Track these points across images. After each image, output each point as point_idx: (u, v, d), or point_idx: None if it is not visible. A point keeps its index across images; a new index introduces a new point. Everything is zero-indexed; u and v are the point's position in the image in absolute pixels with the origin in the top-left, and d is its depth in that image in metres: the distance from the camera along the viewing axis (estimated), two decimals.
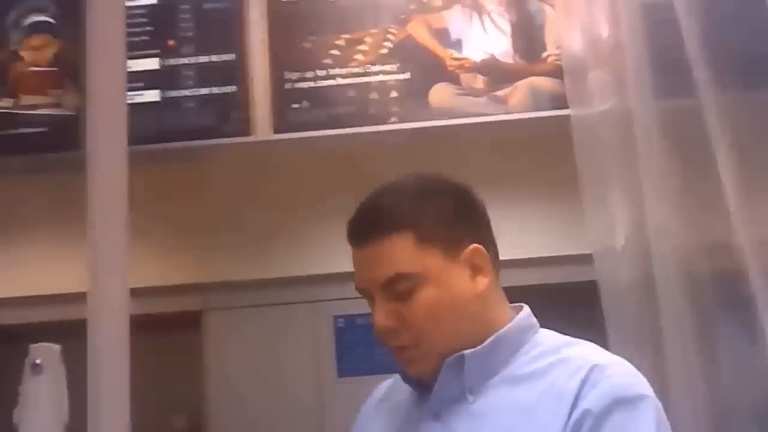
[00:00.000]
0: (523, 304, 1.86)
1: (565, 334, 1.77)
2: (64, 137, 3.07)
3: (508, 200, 4.51)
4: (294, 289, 4.51)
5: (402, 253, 1.67)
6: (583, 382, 1.55)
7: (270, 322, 4.55)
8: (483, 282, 1.72)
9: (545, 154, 3.70)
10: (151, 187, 4.50)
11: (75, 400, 2.09)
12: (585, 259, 2.57)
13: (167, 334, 4.81)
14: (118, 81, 1.40)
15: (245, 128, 3.14)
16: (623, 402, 1.52)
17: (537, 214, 4.51)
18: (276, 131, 3.14)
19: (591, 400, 1.52)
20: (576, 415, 1.50)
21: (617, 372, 1.60)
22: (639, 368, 1.64)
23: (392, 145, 3.51)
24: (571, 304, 4.26)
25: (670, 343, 1.89)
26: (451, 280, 1.68)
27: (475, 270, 1.72)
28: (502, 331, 1.71)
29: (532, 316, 1.81)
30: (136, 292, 4.52)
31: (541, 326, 1.82)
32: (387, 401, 1.93)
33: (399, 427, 1.79)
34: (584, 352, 1.68)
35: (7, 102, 3.15)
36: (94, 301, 1.30)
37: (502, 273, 4.48)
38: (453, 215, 1.74)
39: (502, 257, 4.09)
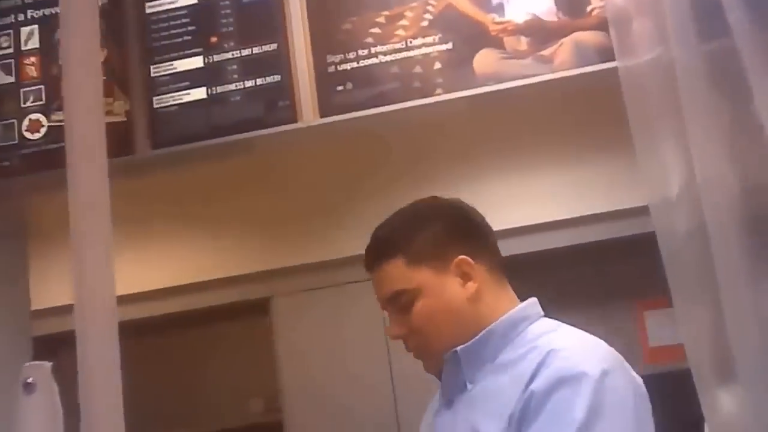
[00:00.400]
0: (533, 298, 2.10)
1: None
2: (116, 143, 3.13)
3: (559, 159, 4.50)
4: (358, 267, 4.54)
5: (396, 274, 1.98)
6: (539, 366, 1.76)
7: (337, 302, 4.62)
8: (473, 287, 1.96)
9: (595, 111, 3.67)
10: (205, 183, 4.61)
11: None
12: (643, 211, 2.54)
13: (240, 321, 4.93)
14: (94, 90, 1.40)
15: (292, 115, 3.16)
16: (566, 380, 1.71)
17: (590, 170, 4.51)
18: (322, 115, 3.15)
19: (538, 382, 1.73)
20: (526, 395, 1.73)
21: (567, 354, 1.77)
22: (700, 320, 1.64)
23: (442, 117, 3.51)
24: (633, 257, 4.24)
25: (725, 292, 1.87)
26: (444, 290, 1.95)
27: (464, 277, 1.97)
28: (491, 326, 1.94)
29: (531, 307, 2.03)
30: (203, 286, 4.69)
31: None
32: (435, 398, 2.17)
33: (433, 417, 2.09)
34: (553, 338, 1.87)
35: (60, 115, 3.23)
36: (81, 313, 1.31)
37: (557, 234, 4.49)
38: (440, 235, 2.02)
39: (554, 217, 4.06)
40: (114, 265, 1.33)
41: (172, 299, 4.70)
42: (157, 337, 5.05)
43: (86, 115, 1.35)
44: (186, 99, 3.26)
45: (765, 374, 1.84)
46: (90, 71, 1.38)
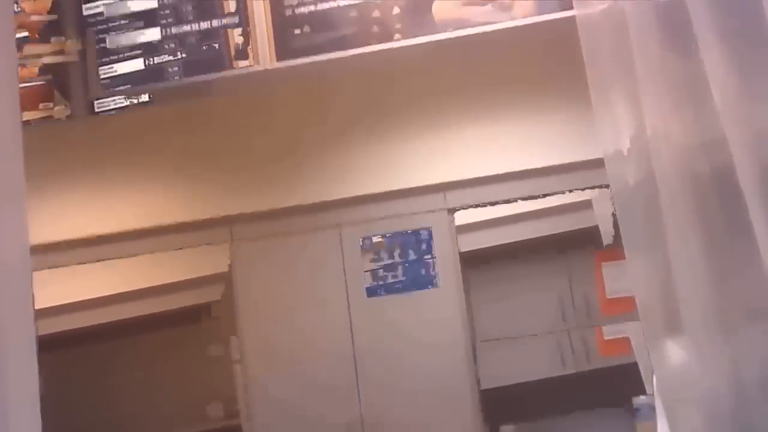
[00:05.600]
0: None
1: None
2: (69, 84, 3.07)
3: (518, 111, 4.49)
4: (319, 214, 4.55)
5: None
6: None
7: (297, 248, 4.60)
8: None
9: (556, 62, 3.64)
10: (163, 125, 4.54)
11: None
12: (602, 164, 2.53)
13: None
14: (7, 38, 1.33)
15: (249, 58, 3.11)
16: None
17: (551, 122, 4.50)
18: (279, 59, 3.11)
19: None
20: None
21: None
22: (649, 271, 1.63)
23: (400, 63, 3.47)
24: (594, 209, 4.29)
25: (673, 243, 1.88)
26: None
27: None
28: None
29: None
30: (164, 230, 4.64)
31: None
32: None
33: None
34: None
35: None
36: None
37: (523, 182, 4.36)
38: None
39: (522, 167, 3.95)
40: (27, 217, 1.27)
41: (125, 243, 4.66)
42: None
43: None
44: (140, 40, 3.19)
45: (710, 325, 1.85)
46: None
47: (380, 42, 3.06)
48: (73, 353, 4.93)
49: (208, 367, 4.85)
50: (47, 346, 1.35)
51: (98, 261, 4.59)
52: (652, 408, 4.39)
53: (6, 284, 1.20)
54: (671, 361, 2.12)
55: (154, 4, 3.22)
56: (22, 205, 1.25)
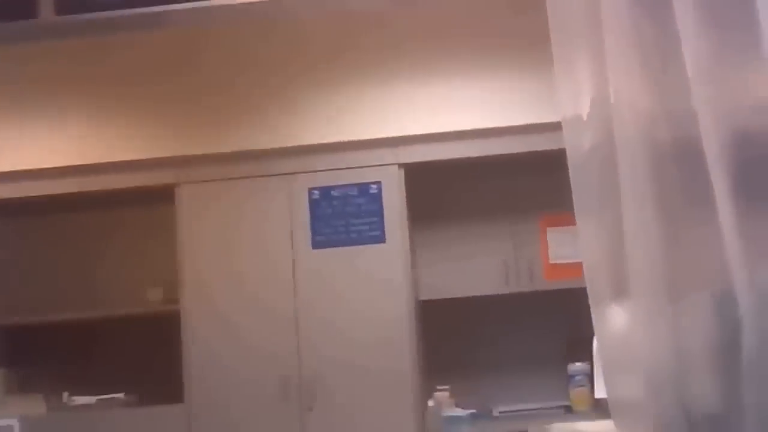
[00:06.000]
0: None
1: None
2: (18, 4, 2.95)
3: (477, 66, 4.45)
4: (268, 161, 4.50)
5: None
6: None
7: (244, 195, 4.55)
8: None
9: (521, 20, 3.61)
10: (117, 56, 4.43)
11: None
12: (559, 127, 2.51)
13: (143, 207, 4.82)
14: None
15: None
16: None
17: (508, 80, 4.48)
18: None
19: None
20: None
21: None
22: (599, 235, 1.61)
23: (363, 10, 3.41)
24: (541, 173, 4.26)
25: (627, 210, 1.87)
26: None
27: None
28: None
29: None
30: (108, 167, 4.54)
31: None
32: None
33: None
34: None
35: None
36: None
37: (477, 141, 4.36)
38: None
39: (478, 125, 3.90)
40: None
41: (72, 178, 4.55)
42: (56, 216, 4.91)
43: None
44: None
45: (658, 291, 1.85)
46: None
47: None
48: (22, 222, 4.86)
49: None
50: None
51: (37, 195, 4.49)
52: (586, 374, 4.49)
53: None
54: (614, 326, 2.13)
55: None
56: None
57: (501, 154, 4.41)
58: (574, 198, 2.18)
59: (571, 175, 2.19)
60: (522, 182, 4.66)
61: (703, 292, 1.76)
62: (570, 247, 4.59)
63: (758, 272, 1.60)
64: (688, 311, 1.78)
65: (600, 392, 2.33)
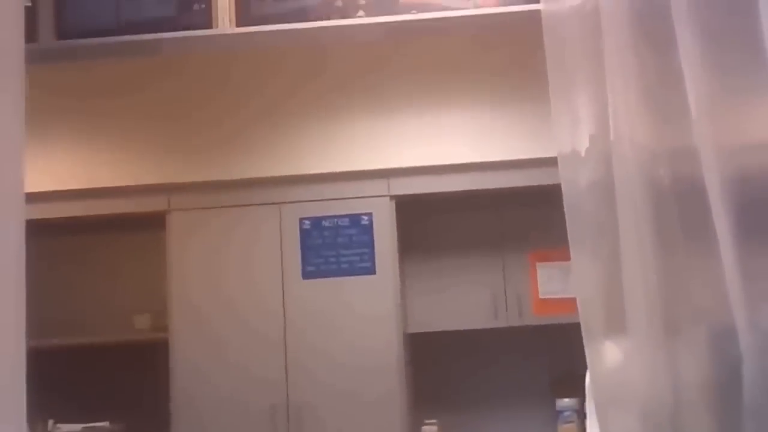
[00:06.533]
0: None
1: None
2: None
3: (472, 99, 4.47)
4: (260, 190, 4.49)
5: None
6: None
7: (236, 223, 4.53)
8: None
9: (516, 55, 3.64)
10: (111, 82, 4.43)
11: None
12: (554, 162, 2.51)
13: (131, 233, 4.80)
14: None
15: (207, 21, 3.03)
16: None
17: (503, 114, 4.50)
18: (238, 24, 3.03)
19: None
20: None
21: None
22: (595, 272, 1.61)
23: (360, 41, 3.43)
24: (532, 208, 4.28)
25: (626, 247, 1.87)
26: None
27: None
28: None
29: None
30: (99, 192, 4.52)
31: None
32: None
33: None
34: None
35: None
36: None
37: (470, 175, 4.36)
38: None
39: (471, 159, 3.89)
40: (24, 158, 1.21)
41: (65, 203, 4.53)
42: (43, 241, 4.87)
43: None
44: None
45: (655, 326, 1.84)
46: None
47: (342, 17, 3.01)
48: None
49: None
50: None
51: (26, 219, 4.44)
52: (575, 410, 4.48)
53: None
54: (608, 362, 2.12)
55: None
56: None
57: (493, 188, 4.42)
58: (569, 232, 2.18)
59: (566, 209, 2.19)
60: (512, 216, 4.68)
61: (701, 327, 1.76)
62: (559, 283, 4.61)
63: (760, 311, 1.60)
64: (687, 347, 1.78)
65: (593, 429, 2.32)
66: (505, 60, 4.13)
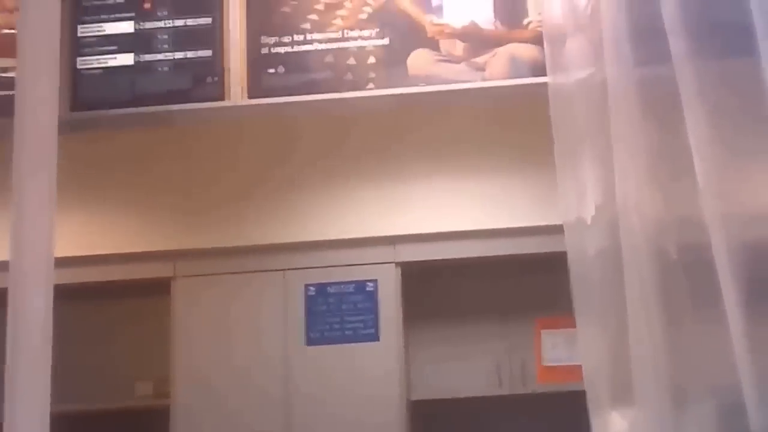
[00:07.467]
0: None
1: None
2: None
3: (478, 168, 4.53)
4: (265, 256, 4.53)
5: None
6: None
7: (240, 289, 4.55)
8: None
9: (522, 125, 3.70)
10: (118, 151, 4.49)
11: None
12: (559, 230, 2.55)
13: (134, 300, 4.80)
14: (51, 46, 1.31)
15: (219, 93, 3.11)
16: None
17: (509, 182, 4.55)
18: (250, 96, 3.11)
19: None
20: None
21: None
22: (601, 341, 1.62)
23: (369, 112, 3.50)
24: (536, 274, 4.30)
25: (633, 317, 1.89)
26: None
27: None
28: None
29: None
30: (106, 259, 4.54)
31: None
32: None
33: None
34: None
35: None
36: (16, 271, 1.23)
37: (475, 242, 4.40)
38: None
39: (477, 226, 3.92)
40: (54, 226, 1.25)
41: (69, 269, 4.54)
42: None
43: (42, 69, 1.27)
44: (112, 63, 3.17)
45: (663, 398, 1.85)
46: (48, 27, 1.30)
47: (352, 89, 3.08)
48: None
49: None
50: None
51: None
52: None
53: None
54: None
55: (130, 29, 3.20)
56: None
57: (498, 255, 4.45)
58: (574, 301, 2.21)
59: (572, 278, 2.22)
60: (517, 283, 4.69)
61: (710, 401, 1.77)
62: (564, 350, 4.61)
63: None
64: (695, 421, 1.79)
65: None
66: (511, 128, 4.20)
